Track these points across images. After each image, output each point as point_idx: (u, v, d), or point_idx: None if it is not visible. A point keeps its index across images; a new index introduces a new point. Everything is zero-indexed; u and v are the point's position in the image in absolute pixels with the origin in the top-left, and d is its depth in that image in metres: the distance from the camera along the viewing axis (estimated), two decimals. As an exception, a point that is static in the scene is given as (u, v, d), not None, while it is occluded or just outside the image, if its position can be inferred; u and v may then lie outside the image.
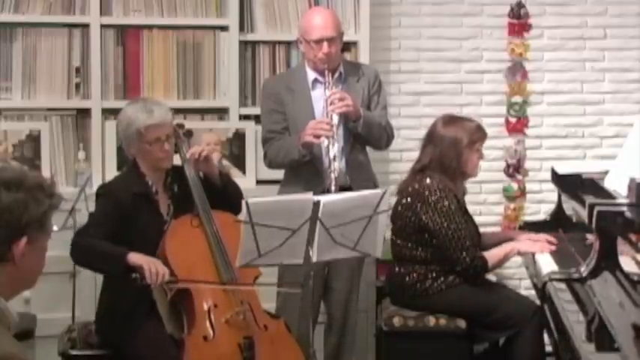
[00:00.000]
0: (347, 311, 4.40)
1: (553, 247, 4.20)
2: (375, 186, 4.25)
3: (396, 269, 4.28)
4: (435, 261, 4.17)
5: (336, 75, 4.27)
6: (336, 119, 4.13)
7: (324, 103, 4.17)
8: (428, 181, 4.14)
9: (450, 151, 4.16)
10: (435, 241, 4.13)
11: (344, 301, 4.38)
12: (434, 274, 4.18)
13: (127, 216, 3.76)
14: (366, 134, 4.24)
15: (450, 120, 4.28)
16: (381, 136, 4.33)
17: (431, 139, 4.24)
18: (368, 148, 4.41)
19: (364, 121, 4.19)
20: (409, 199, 4.18)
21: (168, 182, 3.93)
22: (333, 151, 4.07)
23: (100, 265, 3.72)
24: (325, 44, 4.16)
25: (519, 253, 4.30)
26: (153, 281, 3.58)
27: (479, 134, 4.23)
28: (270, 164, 4.38)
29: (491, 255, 4.18)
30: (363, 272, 4.49)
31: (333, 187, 4.01)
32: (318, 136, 4.09)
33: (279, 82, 4.42)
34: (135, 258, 3.62)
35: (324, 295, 4.38)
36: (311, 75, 4.30)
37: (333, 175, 4.03)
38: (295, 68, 4.66)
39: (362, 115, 4.19)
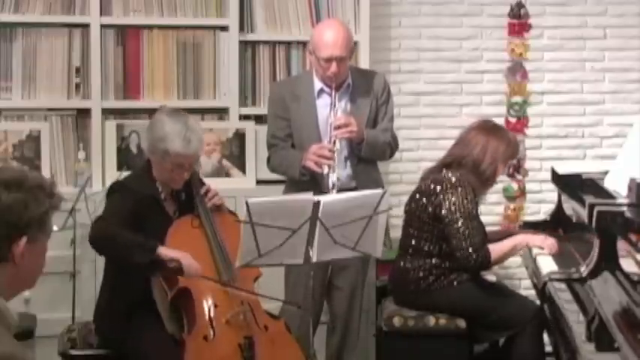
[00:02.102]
0: (351, 310, 4.40)
1: (561, 249, 4.19)
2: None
3: (401, 264, 4.28)
4: (440, 257, 4.17)
5: (344, 86, 4.26)
6: (339, 145, 4.13)
7: (328, 127, 4.16)
8: (450, 173, 4.16)
9: (489, 158, 4.16)
10: (446, 230, 4.13)
11: (348, 301, 4.38)
12: (437, 271, 4.18)
13: (138, 216, 3.75)
14: (369, 156, 4.26)
15: (494, 128, 4.29)
16: (384, 153, 4.36)
17: (467, 139, 4.24)
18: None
19: (367, 143, 4.20)
20: (430, 188, 4.19)
21: (174, 190, 3.93)
22: (332, 178, 4.07)
23: (127, 253, 3.63)
24: (334, 64, 4.13)
25: (528, 247, 4.28)
26: (189, 274, 3.61)
27: (517, 151, 4.32)
28: (273, 171, 4.41)
29: (496, 248, 4.17)
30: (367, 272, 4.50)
31: None
32: (319, 164, 4.10)
33: (284, 88, 4.41)
34: (167, 251, 3.63)
35: (327, 294, 4.39)
36: (317, 84, 4.27)
37: None
38: (302, 74, 4.66)
39: (365, 139, 4.19)
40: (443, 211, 4.12)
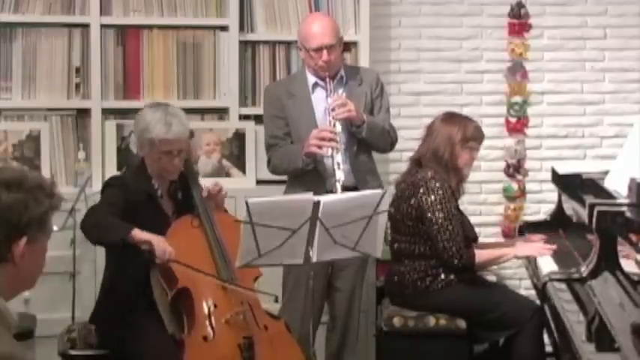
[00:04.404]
0: (350, 311, 4.39)
1: (551, 249, 4.19)
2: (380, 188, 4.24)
3: (396, 267, 4.29)
4: (433, 257, 4.18)
5: (337, 78, 4.27)
6: (339, 127, 4.13)
7: (326, 110, 4.17)
8: (423, 173, 4.19)
9: (443, 143, 4.21)
10: (428, 230, 4.14)
11: (347, 301, 4.38)
12: (434, 271, 4.19)
13: (132, 213, 3.75)
14: (369, 139, 4.25)
15: (451, 116, 4.35)
16: (385, 140, 4.34)
17: (429, 132, 4.31)
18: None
19: (367, 126, 4.20)
20: (407, 192, 4.22)
21: (171, 189, 3.93)
22: (337, 158, 4.07)
23: (105, 235, 3.68)
24: (325, 52, 4.16)
25: (517, 258, 4.32)
26: (160, 256, 3.61)
27: (475, 134, 4.28)
28: (274, 171, 4.38)
29: (482, 253, 4.21)
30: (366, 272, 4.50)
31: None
32: (321, 147, 4.09)
33: (279, 88, 4.43)
34: (141, 234, 3.63)
35: (327, 294, 4.39)
36: (311, 79, 4.30)
37: (338, 184, 4.02)
38: (296, 73, 4.67)
39: (365, 121, 4.19)
40: (423, 212, 4.14)
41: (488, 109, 5.38)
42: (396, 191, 4.31)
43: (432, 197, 4.13)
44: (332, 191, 4.03)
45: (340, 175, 4.04)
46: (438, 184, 4.14)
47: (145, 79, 4.91)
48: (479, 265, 4.22)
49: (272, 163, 4.35)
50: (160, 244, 3.62)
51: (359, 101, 4.26)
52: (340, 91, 4.26)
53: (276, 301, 3.84)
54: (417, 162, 4.29)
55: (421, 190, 4.15)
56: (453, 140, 4.21)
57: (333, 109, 4.13)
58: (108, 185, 3.89)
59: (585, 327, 3.07)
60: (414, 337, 4.24)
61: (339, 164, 4.06)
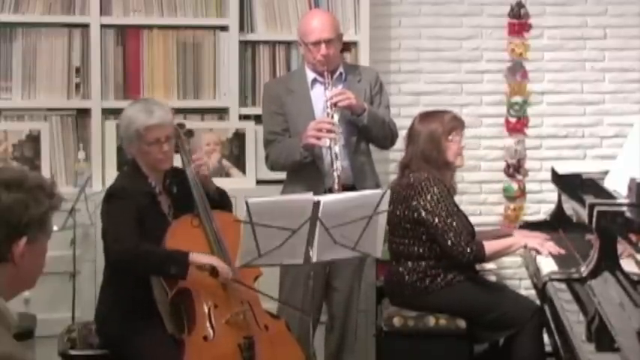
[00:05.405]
0: (348, 311, 4.40)
1: (560, 250, 4.18)
2: (377, 187, 4.24)
3: (395, 268, 4.29)
4: (432, 257, 4.18)
5: (336, 75, 4.28)
6: (337, 118, 4.13)
7: (324, 103, 4.18)
8: (417, 174, 4.20)
9: (428, 144, 4.22)
10: (430, 232, 4.14)
11: (345, 301, 4.38)
12: (433, 272, 4.19)
13: (139, 216, 3.75)
14: (371, 127, 4.23)
15: (426, 115, 4.35)
16: (385, 133, 4.33)
17: (411, 135, 4.32)
18: (371, 149, 4.41)
19: (368, 114, 4.20)
20: (402, 194, 4.21)
21: (167, 184, 3.93)
22: (335, 149, 4.07)
23: (162, 268, 3.69)
24: (323, 46, 4.18)
25: (525, 248, 4.29)
26: (225, 277, 3.67)
27: (453, 123, 4.29)
28: (273, 166, 4.38)
29: (492, 244, 4.19)
30: (363, 272, 4.49)
31: (336, 187, 4.01)
32: (319, 138, 4.09)
33: (278, 85, 4.44)
34: (199, 258, 3.68)
35: (325, 294, 4.39)
36: (310, 75, 4.31)
37: (336, 174, 4.02)
38: (295, 70, 4.70)
39: (366, 109, 4.19)
40: (422, 215, 4.13)
41: (488, 109, 5.38)
42: (391, 195, 4.30)
43: (430, 198, 4.13)
44: (331, 188, 4.03)
45: (338, 165, 4.04)
46: (433, 185, 4.14)
47: (145, 79, 4.91)
48: (489, 257, 4.21)
49: (270, 158, 4.35)
50: (223, 266, 3.68)
51: (358, 95, 4.26)
52: (340, 87, 4.26)
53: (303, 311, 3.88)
54: (406, 166, 4.29)
55: (418, 192, 4.15)
56: (436, 137, 4.22)
57: (331, 98, 4.13)
58: (113, 197, 3.82)
59: (585, 327, 3.06)
60: (414, 337, 4.24)
61: (337, 155, 4.06)
